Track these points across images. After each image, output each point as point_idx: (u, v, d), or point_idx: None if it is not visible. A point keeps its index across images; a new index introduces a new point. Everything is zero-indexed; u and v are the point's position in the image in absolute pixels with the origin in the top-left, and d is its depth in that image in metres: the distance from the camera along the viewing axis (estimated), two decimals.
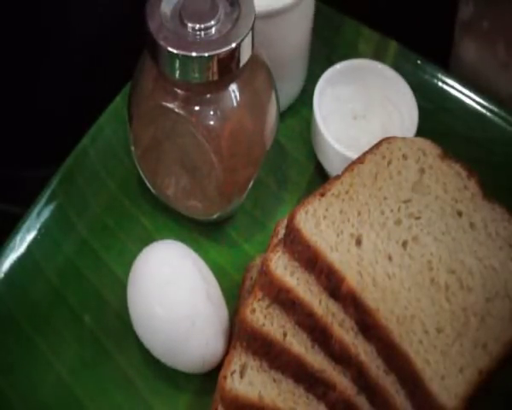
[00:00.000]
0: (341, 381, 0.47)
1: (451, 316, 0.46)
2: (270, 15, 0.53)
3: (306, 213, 0.49)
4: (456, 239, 0.49)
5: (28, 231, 0.56)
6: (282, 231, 0.51)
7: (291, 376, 0.48)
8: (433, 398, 0.44)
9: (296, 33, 0.57)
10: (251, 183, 0.55)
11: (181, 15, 0.48)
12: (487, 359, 0.45)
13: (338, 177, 0.51)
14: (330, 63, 0.59)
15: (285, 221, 0.50)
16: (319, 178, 0.59)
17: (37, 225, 0.56)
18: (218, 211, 0.55)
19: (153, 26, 0.48)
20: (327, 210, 0.49)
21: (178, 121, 0.50)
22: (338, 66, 0.59)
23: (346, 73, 0.59)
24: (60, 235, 0.56)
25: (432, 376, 0.44)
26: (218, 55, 0.47)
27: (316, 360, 0.47)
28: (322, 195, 0.50)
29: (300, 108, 0.62)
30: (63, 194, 0.57)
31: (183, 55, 0.47)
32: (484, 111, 0.61)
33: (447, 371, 0.44)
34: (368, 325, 0.46)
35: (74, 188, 0.58)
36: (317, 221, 0.48)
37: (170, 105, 0.50)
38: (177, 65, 0.48)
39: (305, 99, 0.63)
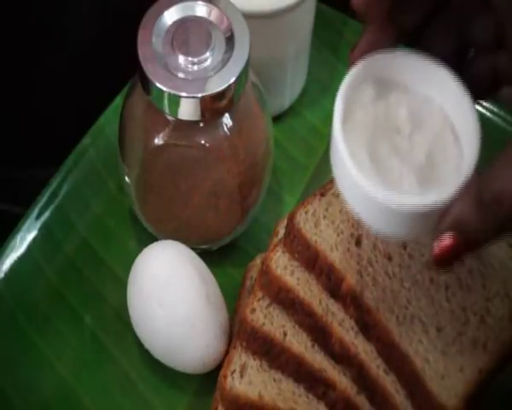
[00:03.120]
0: (341, 380, 0.47)
1: (451, 315, 0.46)
2: (272, 16, 0.53)
3: (306, 212, 0.49)
4: None
5: (28, 230, 0.56)
6: (282, 231, 0.51)
7: (291, 375, 0.48)
8: (432, 397, 0.44)
9: (297, 34, 0.57)
10: (263, 192, 0.55)
11: (173, 43, 0.46)
12: (487, 358, 0.45)
13: None
14: (330, 64, 0.59)
15: (285, 221, 0.50)
16: (319, 178, 0.59)
17: (38, 225, 0.56)
18: (235, 228, 0.55)
19: (143, 54, 0.46)
20: (327, 210, 0.49)
21: (183, 152, 0.50)
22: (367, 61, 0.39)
23: (378, 72, 0.40)
24: (60, 235, 0.56)
25: (432, 375, 0.44)
26: (210, 95, 0.45)
27: (316, 359, 0.47)
28: (323, 195, 0.50)
29: (301, 108, 0.63)
30: (63, 194, 0.57)
31: (173, 94, 0.45)
32: (484, 111, 0.61)
33: (447, 370, 0.44)
34: (368, 324, 0.46)
35: (75, 188, 0.58)
36: (317, 221, 0.49)
37: (171, 140, 0.49)
38: (167, 101, 0.46)
39: (305, 99, 0.63)
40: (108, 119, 0.59)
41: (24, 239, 0.56)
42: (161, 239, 0.53)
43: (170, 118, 0.48)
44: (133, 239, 0.57)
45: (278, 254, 0.49)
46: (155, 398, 0.52)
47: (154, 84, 0.46)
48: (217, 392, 0.48)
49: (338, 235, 0.48)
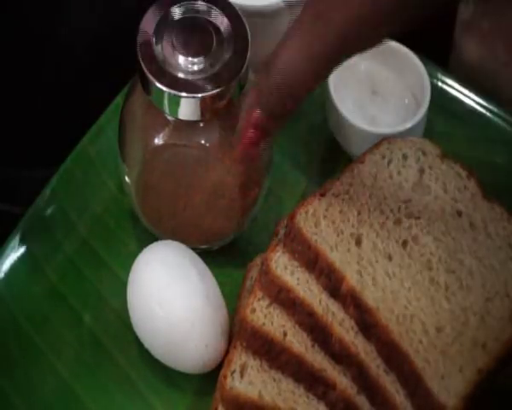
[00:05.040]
0: (341, 380, 0.47)
1: (451, 315, 0.46)
2: (273, 15, 0.53)
3: (306, 213, 0.49)
4: (455, 239, 0.49)
5: (28, 230, 0.56)
6: (282, 231, 0.51)
7: (291, 375, 0.48)
8: (432, 397, 0.44)
9: None
10: (263, 192, 0.55)
11: (173, 43, 0.46)
12: (487, 358, 0.45)
13: (338, 177, 0.51)
14: None
15: (285, 221, 0.50)
16: (319, 178, 0.59)
17: (38, 225, 0.56)
18: (235, 228, 0.55)
19: (143, 54, 0.46)
20: (327, 210, 0.49)
21: (183, 152, 0.50)
22: None
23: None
24: (60, 235, 0.56)
25: (432, 375, 0.44)
26: (210, 95, 0.46)
27: (316, 359, 0.47)
28: (322, 195, 0.50)
29: (301, 108, 0.62)
30: (63, 194, 0.57)
31: (173, 94, 0.46)
32: (484, 111, 0.61)
33: (447, 370, 0.44)
34: (368, 324, 0.46)
35: (74, 188, 0.58)
36: (317, 221, 0.49)
37: (171, 140, 0.49)
38: (167, 101, 0.46)
39: (305, 99, 0.62)
40: (108, 119, 0.59)
41: (24, 239, 0.56)
42: (161, 239, 0.53)
43: (170, 118, 0.48)
44: (133, 239, 0.57)
45: (278, 254, 0.49)
46: (155, 398, 0.52)
47: (154, 84, 0.46)
48: (217, 392, 0.48)
49: (338, 235, 0.48)
